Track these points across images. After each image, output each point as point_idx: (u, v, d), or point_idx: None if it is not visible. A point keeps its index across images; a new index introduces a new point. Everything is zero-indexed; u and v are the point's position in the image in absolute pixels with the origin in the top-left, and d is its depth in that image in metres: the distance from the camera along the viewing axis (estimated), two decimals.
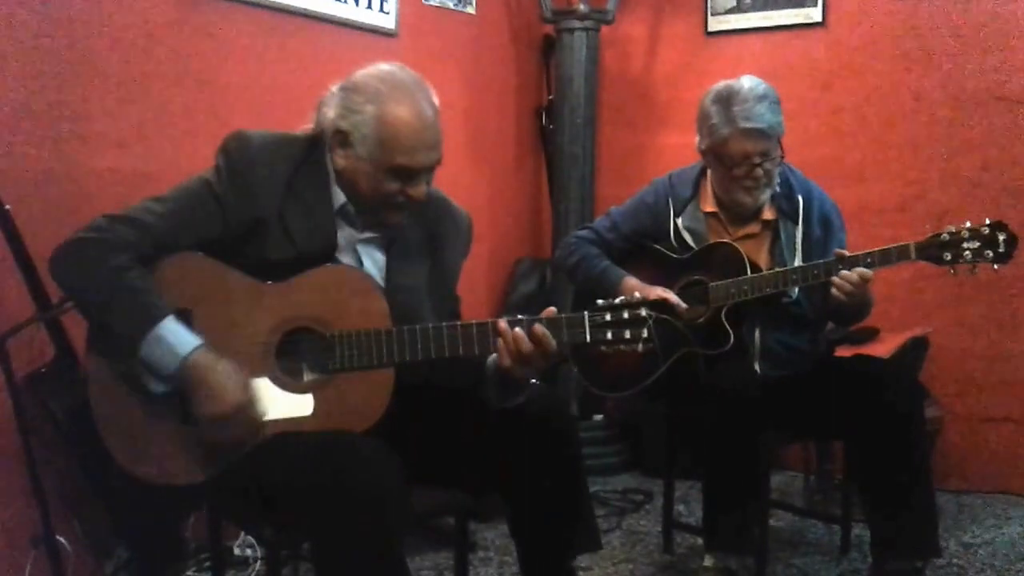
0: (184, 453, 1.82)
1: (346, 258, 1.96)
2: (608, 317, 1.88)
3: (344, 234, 1.96)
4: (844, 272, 2.43)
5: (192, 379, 1.75)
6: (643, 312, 1.88)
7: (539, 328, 1.86)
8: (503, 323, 1.87)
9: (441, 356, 1.88)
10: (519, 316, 1.89)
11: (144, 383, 1.79)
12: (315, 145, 1.96)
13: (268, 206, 1.88)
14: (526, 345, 1.85)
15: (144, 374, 1.78)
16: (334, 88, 1.94)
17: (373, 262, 2.00)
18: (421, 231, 2.06)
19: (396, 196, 1.91)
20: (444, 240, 2.10)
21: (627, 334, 1.88)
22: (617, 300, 1.90)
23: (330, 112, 1.91)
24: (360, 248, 1.99)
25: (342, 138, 1.90)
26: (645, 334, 1.88)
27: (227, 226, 1.87)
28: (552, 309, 1.90)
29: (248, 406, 1.79)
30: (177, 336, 1.75)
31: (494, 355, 1.92)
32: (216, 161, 1.91)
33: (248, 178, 1.87)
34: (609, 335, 1.88)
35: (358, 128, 1.87)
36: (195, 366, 1.75)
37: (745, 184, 2.58)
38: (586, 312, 1.89)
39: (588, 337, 1.88)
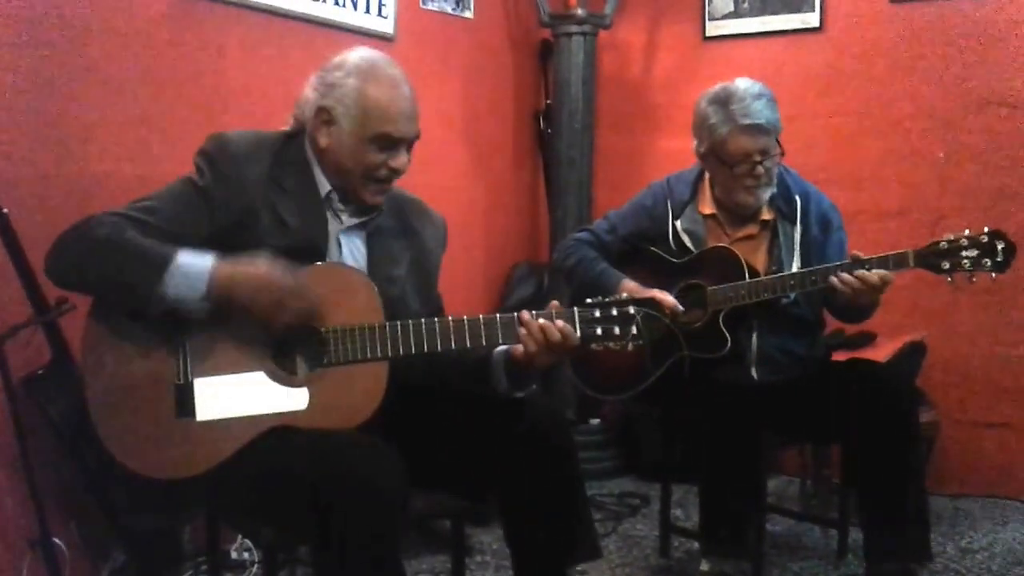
0: (181, 446, 1.82)
1: (331, 249, 1.99)
2: (597, 314, 1.93)
3: (328, 225, 1.99)
4: (861, 272, 2.40)
5: (228, 289, 1.79)
6: (631, 310, 1.92)
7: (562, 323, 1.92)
8: (525, 314, 1.92)
9: (434, 350, 1.91)
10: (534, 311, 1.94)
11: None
12: (292, 139, 2.00)
13: (256, 196, 1.90)
14: (555, 335, 1.90)
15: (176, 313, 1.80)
16: (312, 76, 1.98)
17: (355, 251, 2.04)
18: (396, 223, 2.10)
19: (380, 169, 1.95)
20: (422, 234, 2.14)
21: (616, 331, 1.93)
22: (606, 299, 1.96)
23: (311, 94, 1.96)
24: (343, 238, 2.02)
25: (325, 115, 1.94)
26: (634, 331, 1.92)
27: (214, 222, 1.88)
28: (555, 303, 1.95)
29: (287, 274, 1.82)
30: (194, 262, 1.78)
31: (503, 347, 1.97)
32: (196, 162, 1.93)
33: (232, 171, 1.90)
34: (599, 331, 1.93)
35: (341, 102, 1.92)
36: (223, 275, 1.78)
37: (747, 184, 2.58)
38: (576, 308, 1.94)
39: (578, 333, 1.92)
